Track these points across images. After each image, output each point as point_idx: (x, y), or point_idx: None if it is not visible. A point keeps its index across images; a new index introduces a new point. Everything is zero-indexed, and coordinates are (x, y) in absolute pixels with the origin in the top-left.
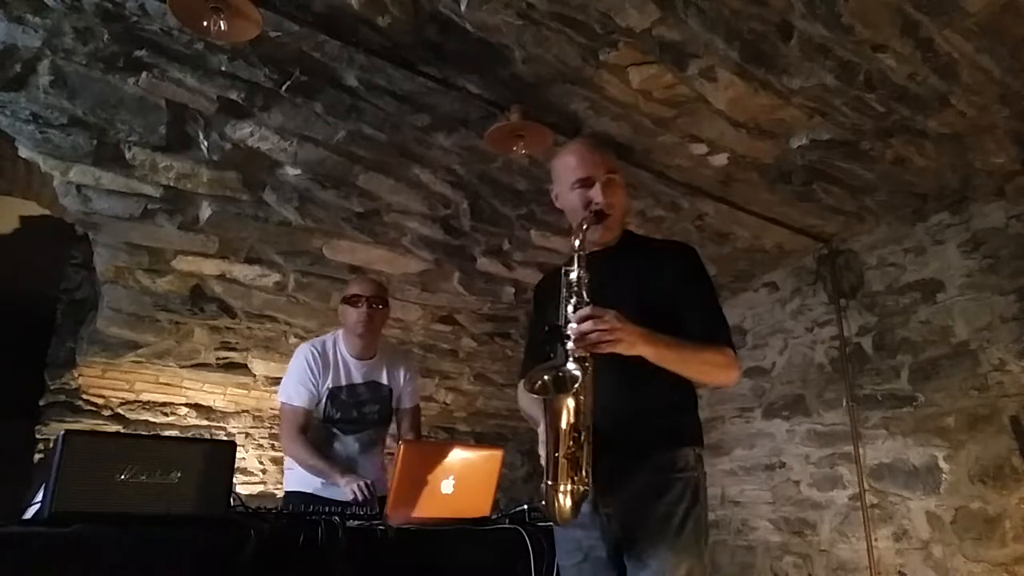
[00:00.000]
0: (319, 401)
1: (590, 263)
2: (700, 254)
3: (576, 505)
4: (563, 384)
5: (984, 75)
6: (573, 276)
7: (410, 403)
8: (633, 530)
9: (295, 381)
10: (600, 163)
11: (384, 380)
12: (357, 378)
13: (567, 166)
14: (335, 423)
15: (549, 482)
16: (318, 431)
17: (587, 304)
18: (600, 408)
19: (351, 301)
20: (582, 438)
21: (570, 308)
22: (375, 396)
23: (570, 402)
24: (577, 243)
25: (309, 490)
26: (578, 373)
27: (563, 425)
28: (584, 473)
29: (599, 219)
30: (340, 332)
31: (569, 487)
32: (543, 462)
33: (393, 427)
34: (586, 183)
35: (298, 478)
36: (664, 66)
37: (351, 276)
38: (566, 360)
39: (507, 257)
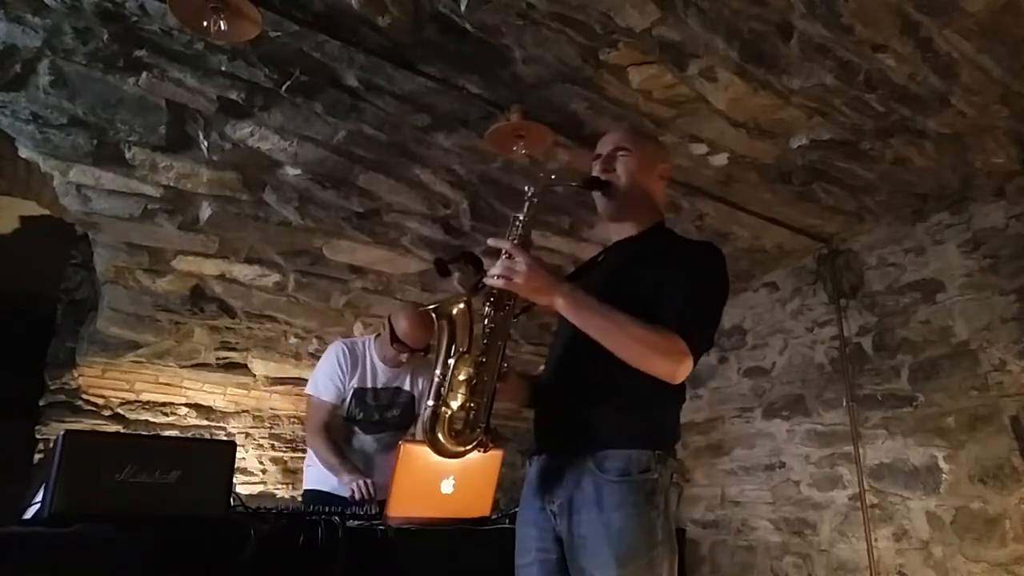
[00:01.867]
0: (344, 399)
1: (607, 252)
2: (720, 258)
3: (456, 439)
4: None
5: (984, 75)
6: (516, 215)
7: None
8: (577, 533)
9: (324, 376)
10: (612, 139)
11: (407, 387)
12: (382, 382)
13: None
14: (357, 422)
15: (430, 403)
16: (339, 426)
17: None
18: (547, 396)
19: (398, 347)
20: (482, 374)
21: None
22: (397, 401)
23: (461, 323)
24: (533, 189)
25: (327, 488)
26: (462, 295)
27: (451, 346)
28: (475, 413)
29: (588, 186)
30: (374, 337)
31: (447, 413)
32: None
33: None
34: (597, 158)
35: (316, 476)
36: (664, 66)
37: (351, 276)
38: (475, 288)
39: None
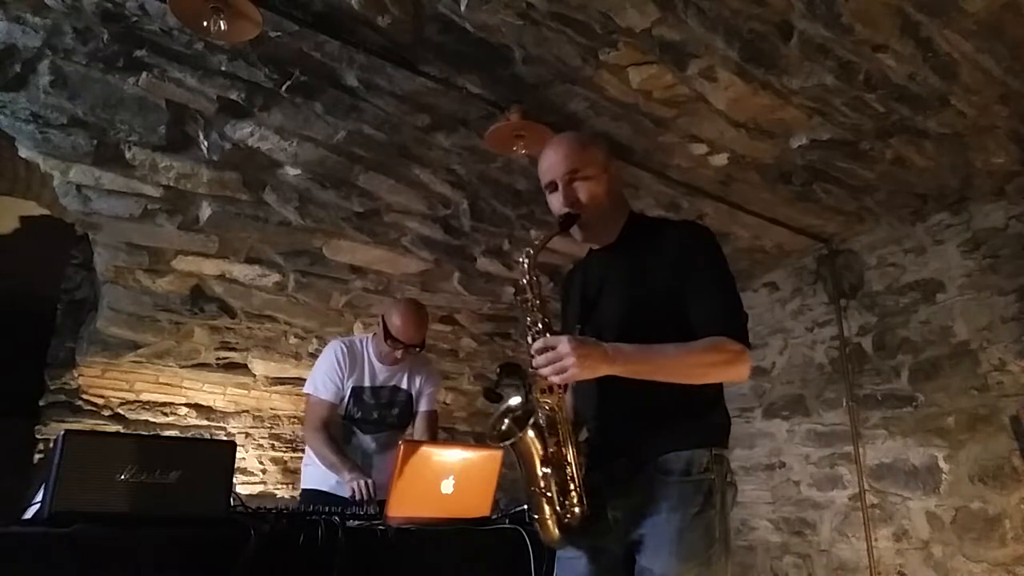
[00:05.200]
0: (343, 397)
1: (591, 264)
2: (712, 236)
3: (568, 529)
4: (519, 423)
5: (984, 75)
6: (526, 302)
7: (426, 407)
8: (639, 534)
9: (323, 374)
10: (559, 162)
11: (404, 385)
12: (380, 380)
13: (540, 170)
14: (355, 421)
15: (535, 516)
16: (338, 426)
17: (542, 332)
18: (597, 411)
19: (391, 343)
20: (567, 465)
21: (530, 339)
22: (396, 400)
23: (537, 439)
24: (526, 265)
25: (325, 488)
26: (518, 404)
27: (535, 460)
28: (575, 498)
29: (564, 227)
30: (372, 336)
31: (554, 516)
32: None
33: (410, 430)
34: (551, 187)
35: (315, 476)
36: (664, 66)
37: (351, 276)
38: (528, 394)
39: (507, 257)
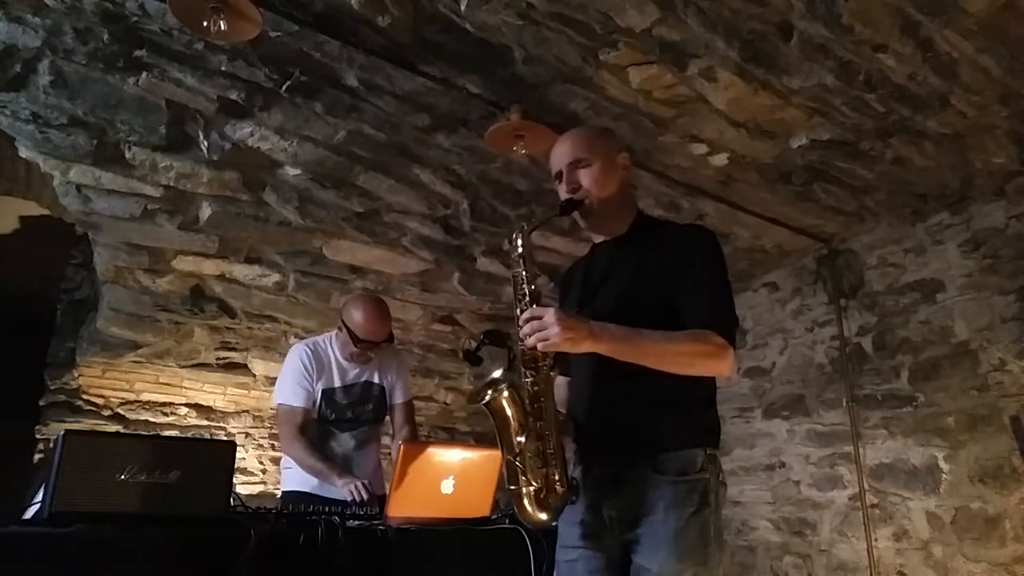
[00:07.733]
0: (314, 401)
1: (596, 256)
2: (714, 237)
3: (547, 507)
4: (495, 388)
5: (984, 75)
6: (517, 276)
7: (402, 398)
8: (635, 534)
9: (291, 382)
10: (565, 151)
11: (376, 379)
12: (350, 378)
13: (549, 163)
14: (330, 422)
15: (511, 487)
16: (313, 429)
17: (530, 304)
18: (590, 408)
19: (361, 347)
20: (546, 438)
21: (518, 311)
22: (368, 395)
23: (514, 403)
24: (519, 241)
25: (307, 489)
26: (501, 376)
27: (512, 427)
28: (555, 475)
29: (564, 212)
30: (334, 334)
31: (531, 489)
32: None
33: (388, 425)
34: (558, 176)
35: (296, 477)
36: (664, 66)
37: (351, 276)
38: (510, 363)
39: (507, 257)
